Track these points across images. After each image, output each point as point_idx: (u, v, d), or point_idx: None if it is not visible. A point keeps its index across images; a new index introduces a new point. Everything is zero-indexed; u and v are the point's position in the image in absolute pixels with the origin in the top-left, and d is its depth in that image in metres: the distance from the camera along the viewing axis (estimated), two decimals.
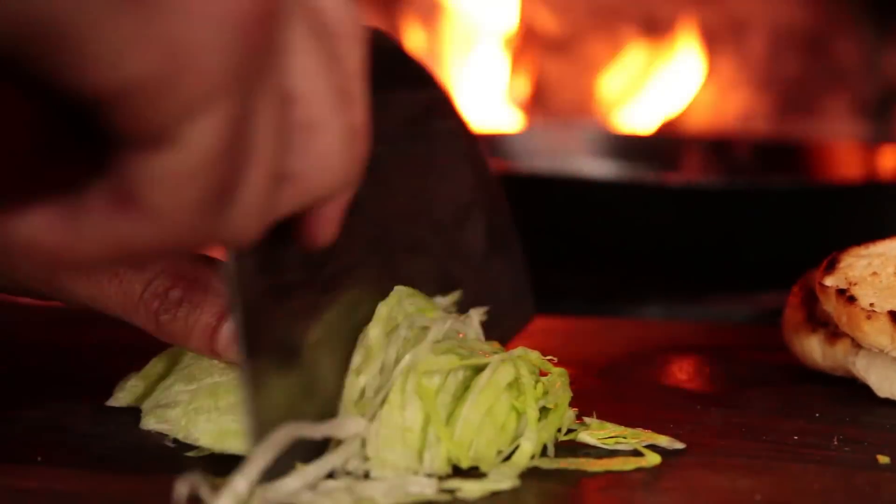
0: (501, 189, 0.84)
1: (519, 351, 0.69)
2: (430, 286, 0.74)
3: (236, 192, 0.51)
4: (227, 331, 0.69)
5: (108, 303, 0.69)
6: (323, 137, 0.55)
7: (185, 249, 0.54)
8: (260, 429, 0.60)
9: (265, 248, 0.60)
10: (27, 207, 0.49)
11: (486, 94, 2.08)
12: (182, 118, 0.48)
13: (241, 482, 0.57)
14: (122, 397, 0.73)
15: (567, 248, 1.41)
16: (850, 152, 1.80)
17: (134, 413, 0.73)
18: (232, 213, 0.52)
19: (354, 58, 0.57)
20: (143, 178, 0.48)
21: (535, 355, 0.70)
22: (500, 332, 0.77)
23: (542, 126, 2.01)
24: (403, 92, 0.74)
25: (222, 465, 0.61)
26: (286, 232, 0.60)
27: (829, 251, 0.83)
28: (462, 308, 0.74)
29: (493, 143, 1.77)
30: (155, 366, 0.73)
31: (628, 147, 1.81)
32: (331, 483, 0.62)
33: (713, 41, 2.14)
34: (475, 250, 0.80)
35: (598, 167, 1.76)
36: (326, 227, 0.60)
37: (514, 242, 0.85)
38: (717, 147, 1.82)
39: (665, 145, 1.83)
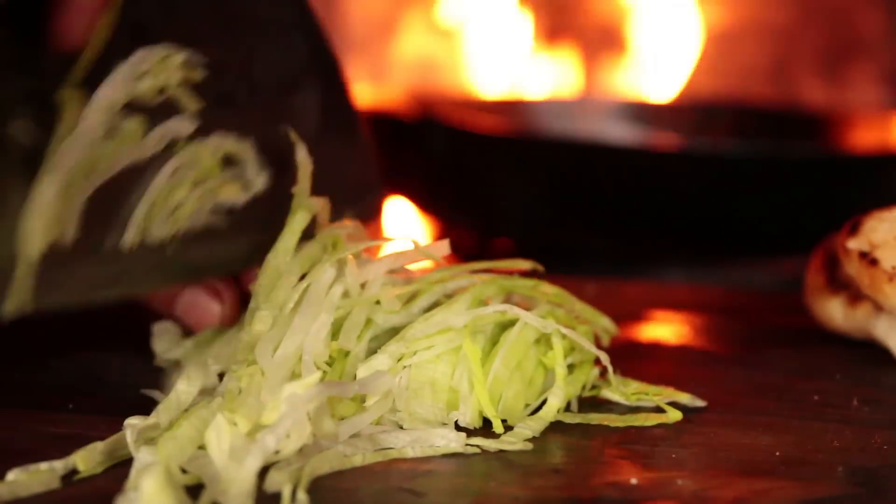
0: (341, 69, 0.80)
1: (546, 308, 0.70)
2: (248, 148, 0.72)
3: None
4: (186, 297, 0.72)
5: None
6: None
7: None
8: None
9: (14, 42, 0.58)
10: None
11: (513, 59, 2.08)
12: None
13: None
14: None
15: (591, 212, 1.42)
16: (873, 121, 1.80)
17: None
18: None
19: None
20: None
21: (561, 312, 0.71)
22: (340, 218, 0.75)
23: (567, 92, 2.02)
24: None
25: None
26: (40, 31, 0.58)
27: (850, 219, 0.84)
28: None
29: (520, 108, 1.78)
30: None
31: (652, 113, 1.81)
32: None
33: (738, 8, 2.14)
34: (306, 125, 0.76)
35: (622, 133, 1.76)
36: (74, 20, 0.58)
37: (356, 125, 0.81)
38: (740, 114, 1.82)
39: (687, 112, 1.83)
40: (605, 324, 0.74)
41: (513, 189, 1.48)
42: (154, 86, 0.67)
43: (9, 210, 0.61)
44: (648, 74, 2.12)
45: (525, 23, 2.10)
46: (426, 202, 1.61)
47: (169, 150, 0.67)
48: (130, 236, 0.66)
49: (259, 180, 0.72)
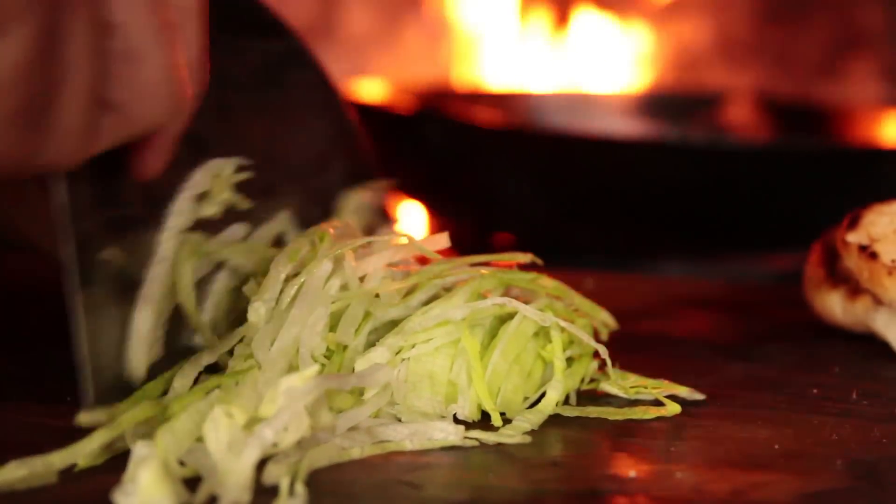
0: (363, 135, 0.85)
1: (544, 301, 0.70)
2: (291, 230, 0.77)
3: (52, 112, 0.54)
4: None
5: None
6: (145, 68, 0.57)
7: (11, 171, 0.56)
8: (93, 361, 0.63)
9: (100, 180, 0.62)
10: None
11: (514, 52, 2.08)
12: None
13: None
14: None
15: (590, 205, 1.42)
16: (873, 115, 1.80)
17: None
18: (50, 134, 0.55)
19: None
20: None
21: (560, 306, 0.70)
22: None
23: (568, 85, 2.01)
24: (256, 40, 0.75)
25: None
26: (120, 165, 0.63)
27: (849, 212, 0.84)
28: None
29: (519, 102, 1.78)
30: None
31: (651, 106, 1.81)
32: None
33: (739, 2, 2.14)
34: (336, 195, 0.82)
35: (621, 126, 1.76)
36: (154, 159, 0.63)
37: (372, 175, 0.86)
38: (741, 108, 1.82)
39: (689, 105, 1.83)
40: (604, 317, 0.74)
41: (512, 183, 1.48)
42: (214, 204, 0.71)
43: (106, 329, 0.65)
44: (650, 67, 2.12)
45: (525, 16, 2.10)
46: (425, 196, 1.61)
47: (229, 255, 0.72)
48: (202, 337, 0.70)
49: None
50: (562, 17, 2.10)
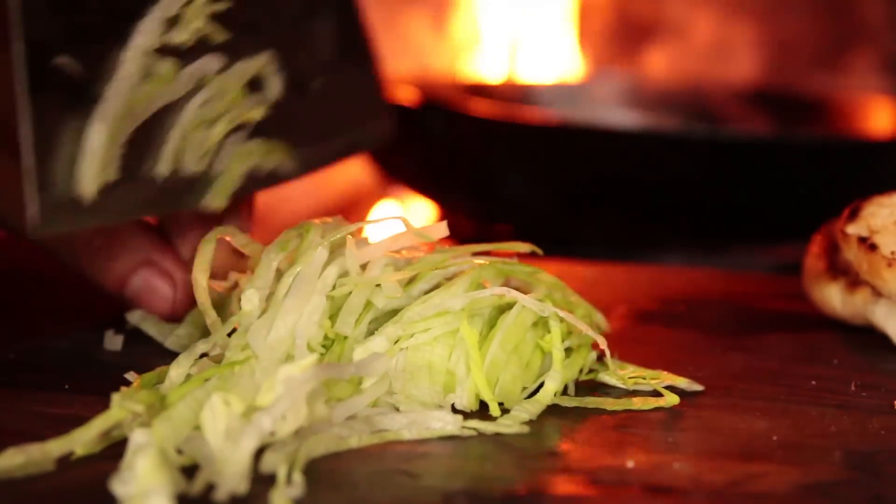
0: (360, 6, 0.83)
1: (543, 291, 0.70)
2: (272, 74, 0.75)
3: None
4: (138, 279, 0.73)
5: None
6: None
7: None
8: (42, 174, 0.62)
9: None
10: None
11: (515, 44, 2.08)
12: None
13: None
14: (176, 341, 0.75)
15: (592, 195, 1.42)
16: (873, 107, 1.80)
17: (158, 344, 0.74)
18: None
19: None
20: None
21: (559, 296, 0.70)
22: (350, 141, 0.79)
23: (570, 76, 2.01)
24: None
25: None
26: None
27: (849, 204, 0.84)
28: (313, 113, 0.76)
29: (520, 93, 1.78)
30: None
31: (652, 97, 1.81)
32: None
33: None
34: (323, 50, 0.79)
35: (622, 117, 1.76)
36: None
37: (368, 52, 0.84)
38: (744, 100, 1.82)
39: (688, 97, 1.83)
40: (597, 320, 0.74)
41: (513, 174, 1.48)
42: (185, 31, 0.69)
43: (57, 142, 0.64)
44: (648, 58, 2.11)
45: (527, 7, 2.09)
46: (426, 187, 1.61)
47: (200, 85, 0.70)
48: (163, 166, 0.68)
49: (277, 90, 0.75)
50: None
